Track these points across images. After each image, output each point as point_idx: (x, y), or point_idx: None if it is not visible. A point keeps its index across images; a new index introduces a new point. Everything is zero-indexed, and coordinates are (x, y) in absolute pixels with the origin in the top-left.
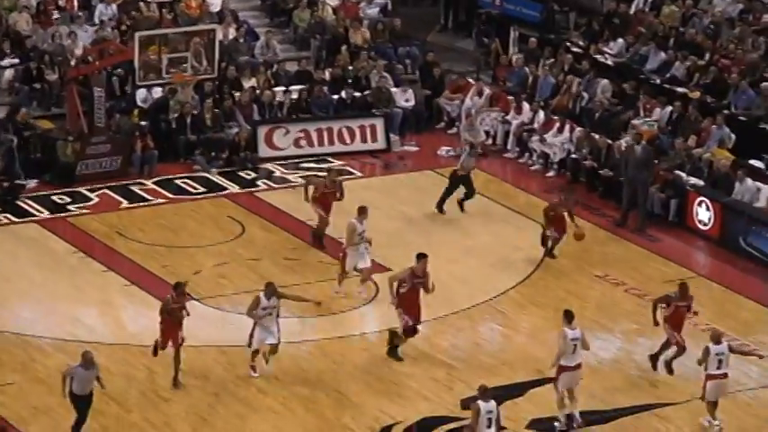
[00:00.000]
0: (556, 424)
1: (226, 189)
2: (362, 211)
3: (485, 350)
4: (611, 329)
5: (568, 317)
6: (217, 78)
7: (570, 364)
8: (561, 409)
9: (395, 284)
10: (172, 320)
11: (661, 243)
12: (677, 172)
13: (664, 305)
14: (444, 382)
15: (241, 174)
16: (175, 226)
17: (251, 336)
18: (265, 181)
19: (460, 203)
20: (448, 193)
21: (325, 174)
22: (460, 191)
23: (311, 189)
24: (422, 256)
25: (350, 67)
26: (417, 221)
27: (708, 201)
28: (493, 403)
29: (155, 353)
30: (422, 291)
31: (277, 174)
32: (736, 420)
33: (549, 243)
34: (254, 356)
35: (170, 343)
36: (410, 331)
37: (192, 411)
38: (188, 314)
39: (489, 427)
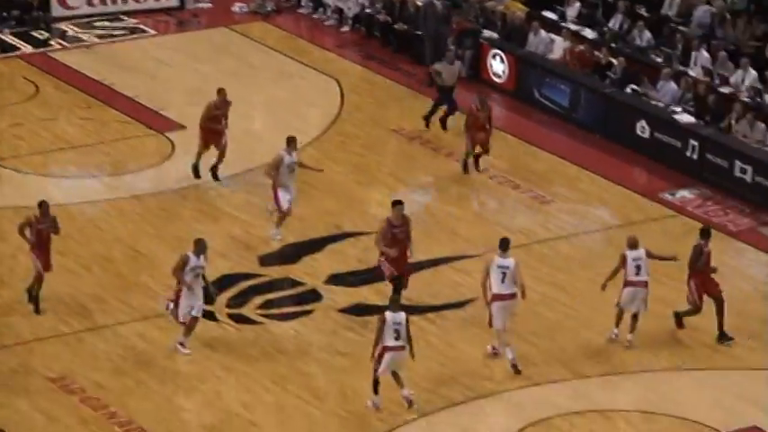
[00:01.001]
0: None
1: (19, 49)
2: (291, 141)
3: None
4: (408, 183)
5: (503, 245)
6: None
7: (502, 292)
8: (504, 345)
9: (381, 241)
10: (39, 242)
11: (456, 96)
12: (471, 25)
13: None
14: (242, 240)
15: (34, 33)
16: None
17: (176, 304)
18: (59, 40)
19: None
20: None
21: None
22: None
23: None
24: (396, 204)
25: None
26: (213, 79)
27: (502, 53)
28: (402, 315)
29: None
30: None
31: (70, 33)
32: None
33: (474, 162)
34: (187, 332)
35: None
36: (396, 281)
37: None
38: (57, 233)
39: (398, 339)
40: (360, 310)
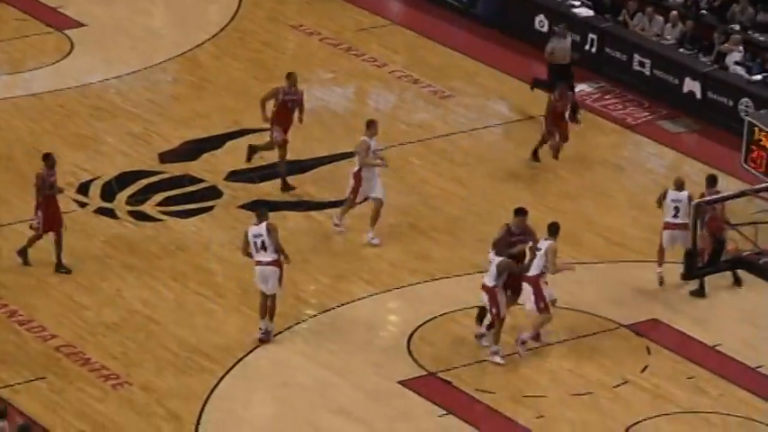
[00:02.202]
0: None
1: None
2: (372, 125)
3: (181, 103)
4: (308, 79)
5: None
6: None
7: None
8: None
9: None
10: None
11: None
12: None
13: None
14: (141, 137)
15: None
16: None
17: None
18: None
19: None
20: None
21: None
22: None
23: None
24: (519, 212)
25: None
26: None
27: None
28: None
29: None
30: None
31: None
32: None
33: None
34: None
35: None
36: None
37: None
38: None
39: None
40: (259, 206)
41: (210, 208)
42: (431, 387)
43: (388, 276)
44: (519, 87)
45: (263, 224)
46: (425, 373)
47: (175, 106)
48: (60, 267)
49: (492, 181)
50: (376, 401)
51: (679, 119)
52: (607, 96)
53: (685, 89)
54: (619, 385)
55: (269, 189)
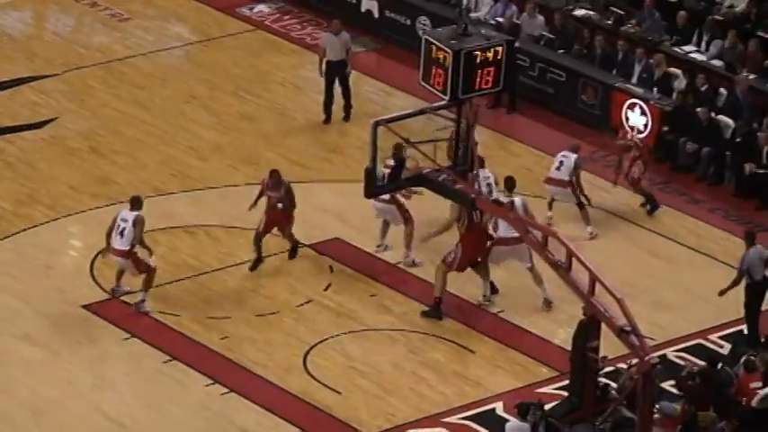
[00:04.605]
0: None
1: None
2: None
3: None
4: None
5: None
6: None
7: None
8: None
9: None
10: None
11: None
12: None
13: None
14: None
15: None
16: None
17: None
18: None
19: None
20: None
21: None
22: None
23: None
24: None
25: None
26: None
27: None
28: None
29: None
30: None
31: None
32: None
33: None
34: None
35: None
36: None
37: None
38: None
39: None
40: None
41: None
42: (115, 311)
43: (70, 200)
44: (197, 9)
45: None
46: (109, 297)
47: None
48: None
49: (172, 102)
50: (60, 326)
51: (358, 38)
52: (286, 17)
53: (363, 8)
54: (303, 304)
55: None
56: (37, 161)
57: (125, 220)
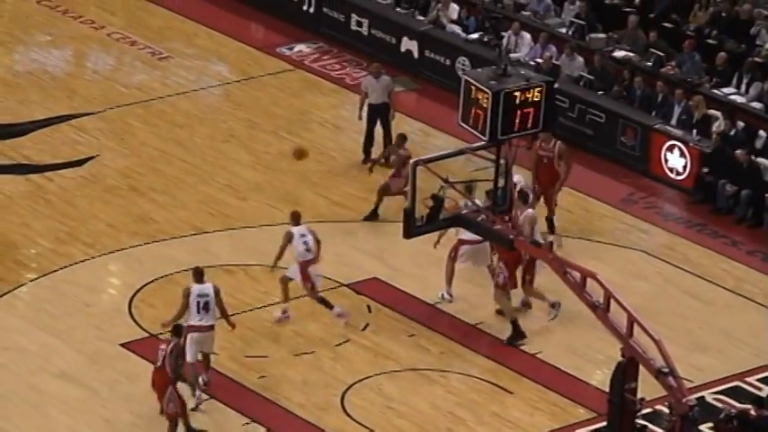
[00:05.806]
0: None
1: None
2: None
3: None
4: (25, 42)
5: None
6: None
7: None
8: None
9: None
10: None
11: None
12: None
13: None
14: None
15: None
16: None
17: None
18: None
19: None
20: None
21: None
22: None
23: None
24: None
25: None
26: None
27: None
28: (208, 286)
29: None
30: None
31: None
32: None
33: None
34: None
35: None
36: None
37: None
38: None
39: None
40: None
41: None
42: (153, 349)
43: (109, 239)
44: (237, 49)
45: (209, 284)
46: (147, 335)
47: None
48: None
49: (211, 141)
50: (98, 364)
51: (397, 78)
52: (325, 57)
53: (403, 48)
54: (340, 344)
55: None
56: (76, 199)
57: (206, 295)
